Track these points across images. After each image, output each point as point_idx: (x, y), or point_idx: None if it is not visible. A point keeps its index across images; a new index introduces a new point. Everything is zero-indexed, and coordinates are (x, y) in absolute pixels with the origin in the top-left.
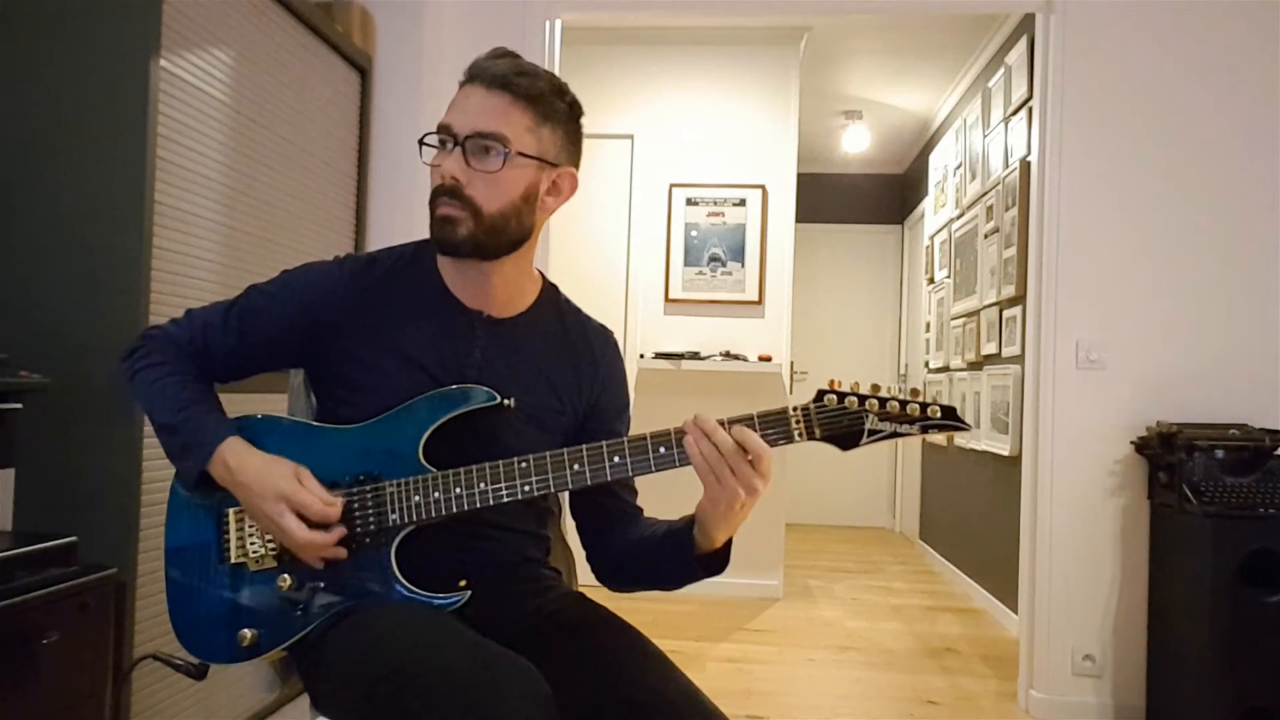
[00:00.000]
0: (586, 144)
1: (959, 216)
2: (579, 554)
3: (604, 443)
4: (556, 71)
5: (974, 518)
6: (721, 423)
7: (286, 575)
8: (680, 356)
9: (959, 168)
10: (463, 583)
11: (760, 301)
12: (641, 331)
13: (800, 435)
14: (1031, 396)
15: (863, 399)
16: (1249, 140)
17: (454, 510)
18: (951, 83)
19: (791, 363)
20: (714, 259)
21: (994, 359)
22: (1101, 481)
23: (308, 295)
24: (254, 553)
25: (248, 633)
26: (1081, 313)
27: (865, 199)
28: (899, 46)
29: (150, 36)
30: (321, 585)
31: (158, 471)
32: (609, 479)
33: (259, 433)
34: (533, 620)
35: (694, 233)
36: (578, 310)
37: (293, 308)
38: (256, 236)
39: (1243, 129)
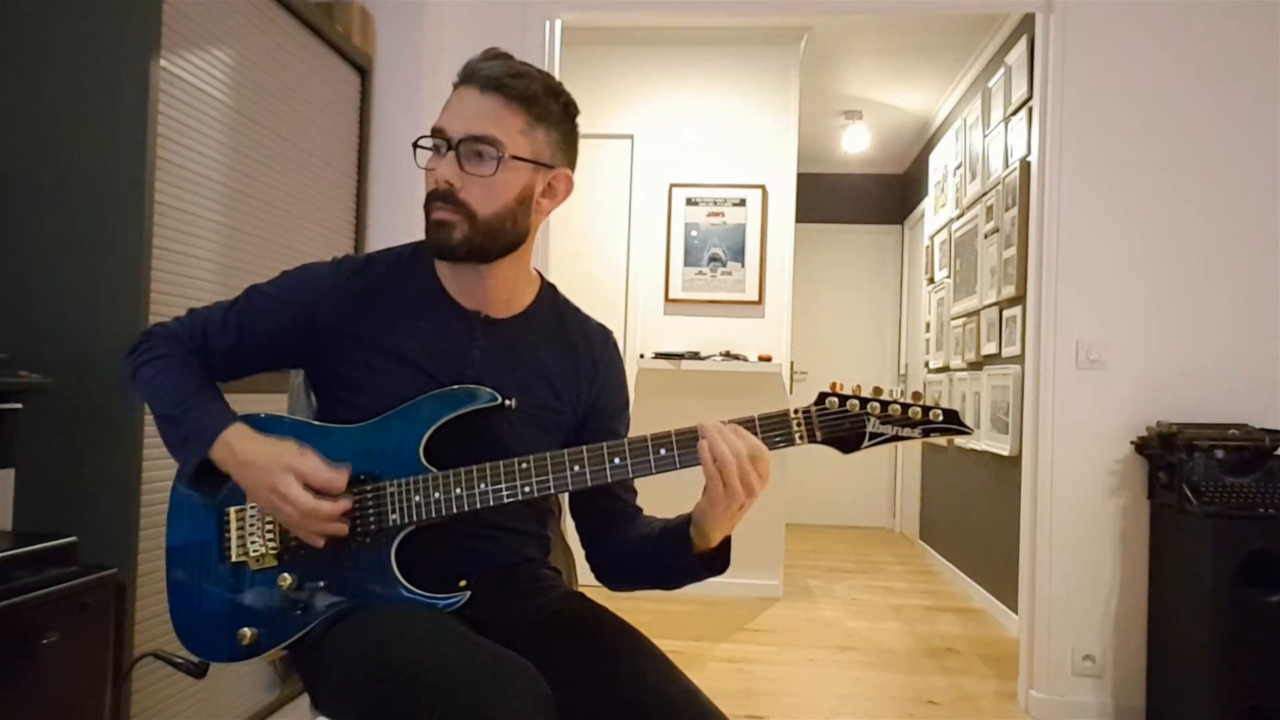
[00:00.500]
0: (587, 144)
1: (959, 216)
2: (579, 554)
3: (604, 444)
4: (556, 71)
5: (974, 518)
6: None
7: (287, 574)
8: (680, 356)
9: (959, 168)
10: (463, 583)
11: (760, 301)
12: (641, 331)
13: (801, 438)
14: (1031, 396)
15: (864, 402)
16: (1249, 140)
17: (454, 510)
18: (951, 83)
19: (791, 363)
20: (714, 259)
21: (994, 359)
22: (1101, 481)
23: (306, 296)
24: (254, 551)
25: (248, 631)
26: (1081, 313)
27: (865, 199)
28: (899, 46)
29: (150, 36)
30: (322, 584)
31: (158, 471)
32: (609, 480)
33: (263, 431)
34: (533, 620)
35: (694, 233)
36: (576, 310)
37: (291, 308)
38: (256, 236)
39: (1243, 129)
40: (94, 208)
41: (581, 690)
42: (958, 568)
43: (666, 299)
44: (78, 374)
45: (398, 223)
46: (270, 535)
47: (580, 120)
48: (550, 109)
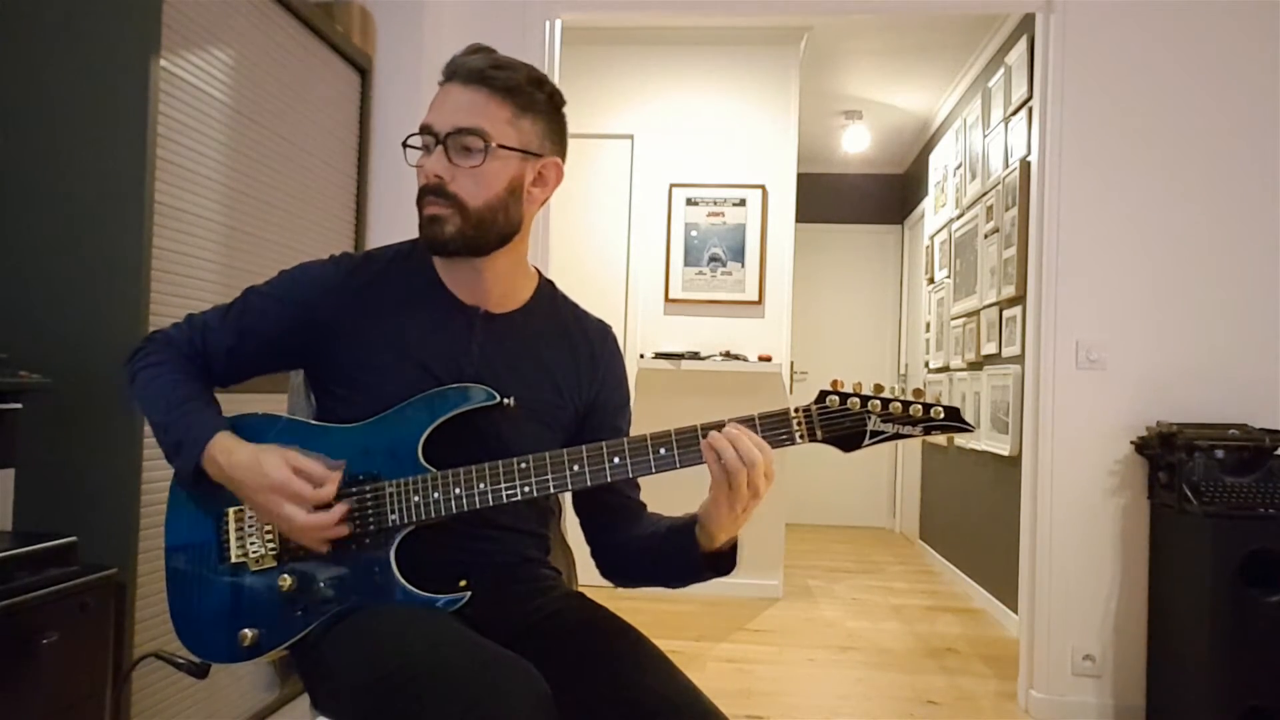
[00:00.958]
0: (587, 144)
1: (959, 216)
2: (579, 553)
3: (604, 443)
4: (556, 71)
5: (974, 518)
6: (722, 424)
7: (286, 575)
8: (680, 356)
9: (959, 168)
10: (463, 582)
11: (760, 301)
12: (641, 331)
13: (802, 437)
14: (1031, 396)
15: (865, 400)
16: (1249, 140)
17: (453, 511)
18: (951, 83)
19: (791, 363)
20: (714, 259)
21: (994, 359)
22: (1101, 481)
23: (304, 294)
24: (254, 552)
25: (248, 632)
26: (1081, 313)
27: (865, 199)
28: (899, 46)
29: (150, 36)
30: (322, 585)
31: (158, 471)
32: (609, 480)
33: (258, 431)
34: (532, 620)
35: (694, 233)
36: (575, 306)
37: (290, 307)
38: (256, 236)
39: (1243, 129)
40: (94, 208)
41: (581, 690)
42: (958, 568)
43: (666, 299)
44: (78, 374)
45: (397, 222)
46: (269, 536)
47: (580, 120)
48: (535, 98)
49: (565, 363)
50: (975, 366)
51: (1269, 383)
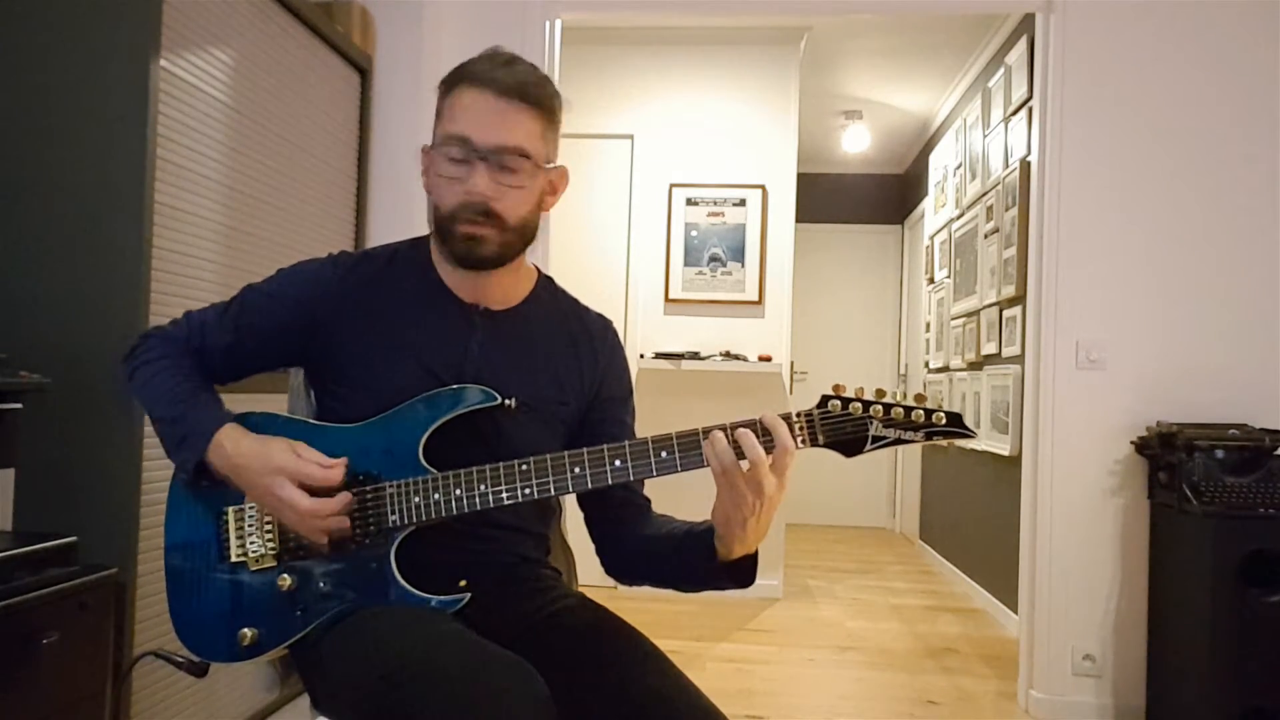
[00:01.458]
0: (587, 144)
1: (959, 216)
2: (579, 553)
3: (605, 446)
4: (556, 71)
5: (974, 518)
6: (724, 427)
7: (286, 575)
8: (680, 356)
9: (959, 168)
10: (462, 583)
11: (760, 301)
12: (641, 331)
13: (803, 441)
14: (1031, 396)
15: (867, 405)
16: (1249, 140)
17: (453, 512)
18: (951, 83)
19: (791, 363)
20: (714, 259)
21: (994, 359)
22: (1101, 481)
23: (303, 292)
24: (253, 551)
25: (248, 632)
26: (1081, 313)
27: (865, 199)
28: (899, 46)
29: (150, 36)
30: (321, 585)
31: (158, 471)
32: (609, 483)
33: (259, 430)
34: (532, 621)
35: (694, 233)
36: (575, 301)
37: (288, 305)
38: (256, 236)
39: (1243, 129)
40: (94, 208)
41: (581, 691)
42: (958, 568)
43: (666, 299)
44: (78, 374)
45: (397, 222)
46: (269, 535)
47: (580, 120)
48: (556, 109)
49: (567, 357)
50: (975, 366)
51: (1269, 383)
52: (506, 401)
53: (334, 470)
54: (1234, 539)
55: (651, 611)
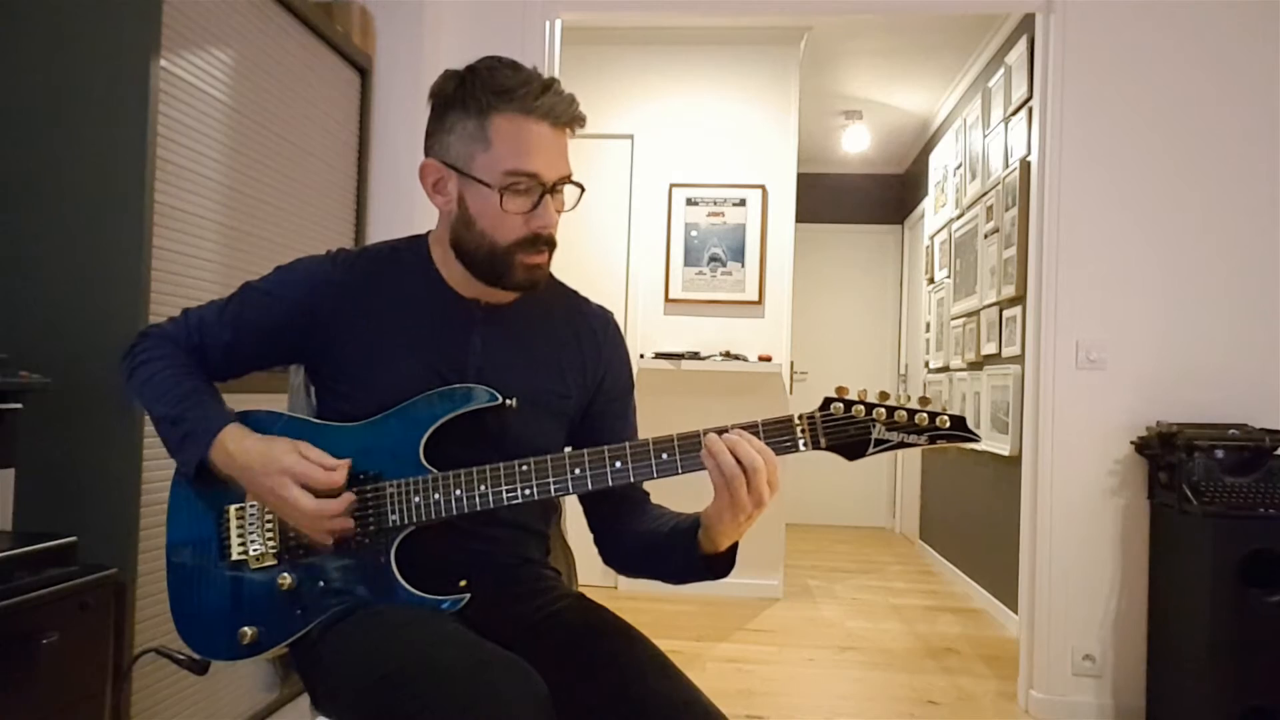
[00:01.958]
0: (586, 144)
1: (959, 216)
2: (579, 553)
3: (605, 447)
4: (556, 72)
5: (974, 518)
6: (725, 429)
7: (286, 574)
8: (680, 356)
9: (959, 168)
10: (463, 583)
11: (760, 301)
12: (641, 331)
13: (805, 444)
14: (1031, 396)
15: (870, 408)
16: (1249, 140)
17: (454, 512)
18: (951, 83)
19: (791, 363)
20: (714, 259)
21: (994, 359)
22: (1101, 481)
23: (303, 290)
24: (254, 550)
25: (248, 630)
26: (1081, 313)
27: (865, 199)
28: (899, 46)
29: (150, 36)
30: (321, 584)
31: (158, 471)
32: (610, 484)
33: (260, 429)
34: (532, 621)
35: (694, 233)
36: (575, 293)
37: (288, 303)
38: (256, 236)
39: (1243, 129)
40: (94, 208)
41: (581, 691)
42: (958, 568)
43: (666, 299)
44: (78, 374)
45: (397, 222)
46: (270, 534)
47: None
48: None
49: (570, 351)
50: (975, 366)
51: (1269, 383)
52: (508, 401)
53: (337, 472)
54: (1234, 539)
55: (651, 611)
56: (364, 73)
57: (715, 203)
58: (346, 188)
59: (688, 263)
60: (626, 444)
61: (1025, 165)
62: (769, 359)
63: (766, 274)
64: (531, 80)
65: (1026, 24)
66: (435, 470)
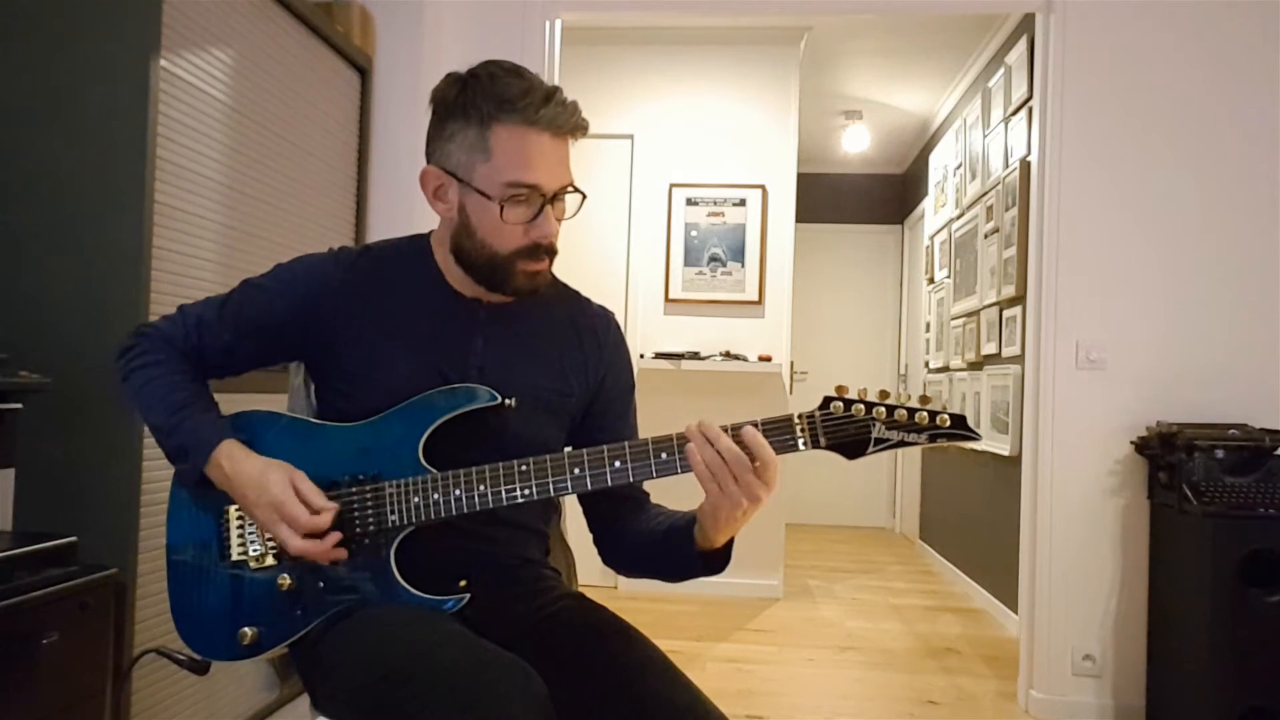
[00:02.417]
0: (586, 144)
1: (959, 216)
2: (579, 553)
3: (604, 447)
4: (556, 72)
5: (974, 518)
6: (725, 429)
7: (286, 575)
8: (680, 356)
9: (959, 168)
10: (462, 583)
11: (760, 301)
12: (641, 331)
13: (805, 443)
14: (1031, 396)
15: (870, 407)
16: (1249, 140)
17: (453, 512)
18: (951, 83)
19: (791, 363)
20: (714, 259)
21: (994, 359)
22: (1101, 481)
23: (303, 289)
24: (254, 551)
25: (248, 631)
26: (1081, 313)
27: (865, 199)
28: (899, 46)
29: (150, 36)
30: (321, 585)
31: (158, 471)
32: (609, 484)
33: (258, 430)
34: (532, 621)
35: (694, 233)
36: (576, 293)
37: (288, 301)
38: (256, 236)
39: (1243, 129)
40: (94, 208)
41: (580, 691)
42: (958, 568)
43: (666, 299)
44: (78, 374)
45: (397, 222)
46: (269, 535)
47: None
48: None
49: (571, 350)
50: (975, 366)
51: (1269, 383)
52: (508, 401)
53: (323, 516)
54: (1234, 539)
55: (651, 611)
56: (364, 73)
57: (715, 203)
58: (346, 188)
59: (688, 263)
60: (626, 444)
61: (1025, 165)
62: (769, 359)
63: (766, 274)
64: (534, 89)
65: (1026, 24)
66: (435, 470)
